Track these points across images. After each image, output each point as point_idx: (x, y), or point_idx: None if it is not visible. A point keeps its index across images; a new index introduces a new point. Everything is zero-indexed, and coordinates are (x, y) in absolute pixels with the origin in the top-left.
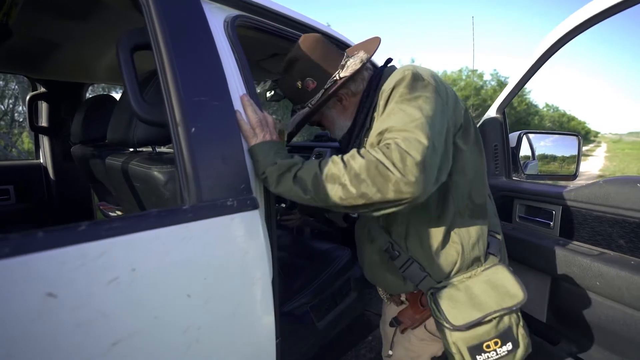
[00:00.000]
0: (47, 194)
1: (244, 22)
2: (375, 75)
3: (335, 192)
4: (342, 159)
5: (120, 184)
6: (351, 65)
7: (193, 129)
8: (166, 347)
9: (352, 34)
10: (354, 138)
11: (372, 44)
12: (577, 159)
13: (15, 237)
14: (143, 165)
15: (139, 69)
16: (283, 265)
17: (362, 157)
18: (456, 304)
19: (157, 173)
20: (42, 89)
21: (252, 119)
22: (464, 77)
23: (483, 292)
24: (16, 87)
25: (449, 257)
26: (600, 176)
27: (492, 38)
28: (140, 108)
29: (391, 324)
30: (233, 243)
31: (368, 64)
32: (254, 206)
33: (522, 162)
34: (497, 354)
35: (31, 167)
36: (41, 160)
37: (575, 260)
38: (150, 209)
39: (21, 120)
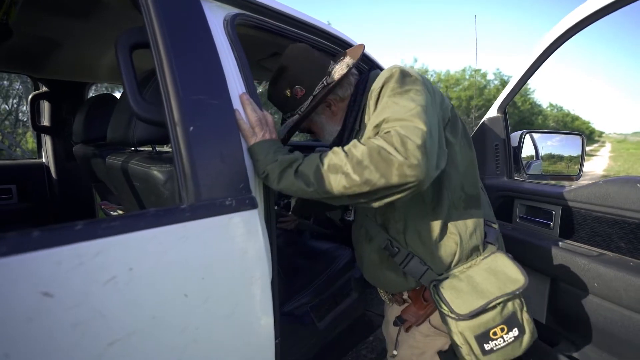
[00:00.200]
0: (49, 193)
1: (244, 21)
2: (362, 80)
3: (338, 182)
4: (343, 149)
5: (120, 184)
6: (337, 70)
7: (191, 128)
8: (164, 347)
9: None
10: (344, 141)
11: (357, 50)
12: (580, 159)
13: (11, 236)
14: (143, 165)
15: (140, 68)
16: (283, 265)
17: (363, 144)
18: (459, 294)
19: (157, 172)
20: (45, 89)
21: (252, 117)
22: (467, 77)
23: (484, 280)
24: (20, 86)
25: (448, 248)
26: (604, 176)
27: (494, 38)
28: (139, 107)
29: (395, 323)
30: (232, 242)
31: (353, 69)
32: (253, 205)
33: (525, 161)
34: (504, 341)
35: (33, 166)
36: (43, 160)
37: (574, 261)
38: (149, 208)
39: (25, 120)
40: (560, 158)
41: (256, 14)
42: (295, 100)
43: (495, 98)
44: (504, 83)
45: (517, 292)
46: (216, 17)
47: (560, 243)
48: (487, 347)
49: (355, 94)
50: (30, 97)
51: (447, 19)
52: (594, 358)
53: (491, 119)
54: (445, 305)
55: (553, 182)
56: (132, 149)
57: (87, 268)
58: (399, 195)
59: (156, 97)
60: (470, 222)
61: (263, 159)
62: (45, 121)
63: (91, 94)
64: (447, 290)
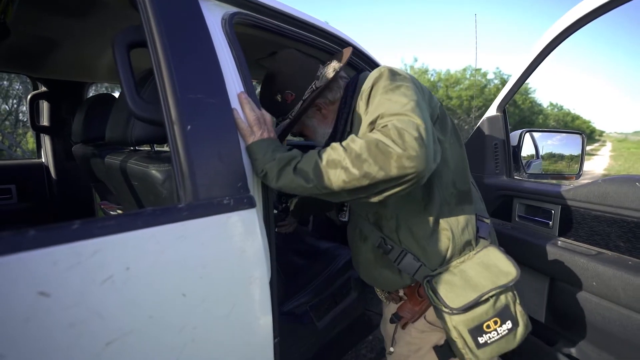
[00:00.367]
0: (48, 193)
1: (242, 20)
2: (351, 82)
3: (338, 177)
4: (342, 144)
5: (119, 183)
6: (324, 75)
7: (189, 127)
8: (161, 347)
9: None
10: (337, 141)
11: (345, 53)
12: (580, 158)
13: (6, 235)
14: (141, 164)
15: (138, 67)
16: (282, 264)
17: (362, 138)
18: (453, 288)
19: (155, 172)
20: (44, 88)
21: (250, 116)
22: (468, 76)
23: (477, 274)
24: (20, 87)
25: (440, 244)
26: (604, 175)
27: (494, 37)
28: (136, 106)
29: (391, 320)
30: (230, 242)
31: (342, 72)
32: (251, 204)
33: (525, 161)
34: (497, 334)
35: (33, 166)
36: (43, 160)
37: (573, 260)
38: (146, 207)
39: (25, 120)
40: (560, 157)
41: (254, 13)
42: (286, 105)
43: (495, 97)
44: (503, 82)
45: (510, 285)
46: (214, 16)
47: (559, 242)
48: (481, 340)
49: (345, 96)
50: (29, 97)
51: (447, 18)
52: (592, 357)
53: (491, 118)
54: (439, 299)
55: (553, 181)
56: (131, 148)
57: (84, 267)
58: (398, 189)
59: (154, 96)
60: (462, 218)
61: (261, 158)
62: (45, 121)
63: (91, 93)
64: (441, 285)
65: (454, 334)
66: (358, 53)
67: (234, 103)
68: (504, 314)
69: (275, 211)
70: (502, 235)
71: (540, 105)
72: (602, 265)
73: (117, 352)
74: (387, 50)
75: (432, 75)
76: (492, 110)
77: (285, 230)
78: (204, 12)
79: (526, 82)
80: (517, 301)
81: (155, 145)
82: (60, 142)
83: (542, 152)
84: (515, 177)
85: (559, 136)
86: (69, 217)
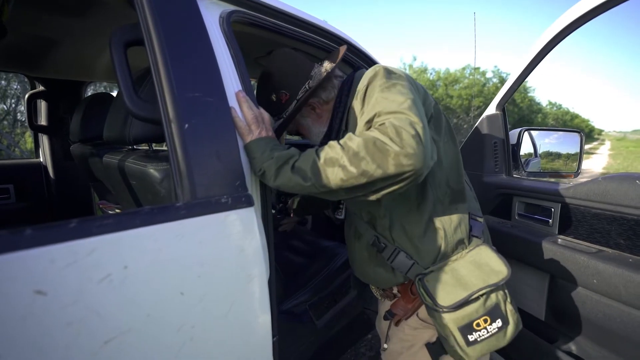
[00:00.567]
0: (47, 192)
1: (240, 18)
2: (346, 81)
3: (336, 175)
4: (339, 142)
5: (117, 182)
6: (316, 75)
7: (186, 126)
8: (159, 346)
9: (354, 33)
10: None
11: (339, 52)
12: (579, 156)
13: (2, 234)
14: (139, 163)
15: (136, 66)
16: (282, 263)
17: (359, 136)
18: (444, 286)
19: (153, 170)
20: (41, 88)
21: (248, 115)
22: (467, 75)
23: (469, 272)
24: (18, 86)
25: (433, 242)
26: (603, 174)
27: (492, 36)
28: (133, 105)
29: (385, 317)
30: (228, 240)
31: (338, 71)
32: (249, 203)
33: (523, 159)
34: (487, 332)
35: (31, 166)
36: (41, 159)
37: (574, 257)
38: (144, 206)
39: (23, 120)
40: (559, 155)
41: (252, 11)
42: (281, 105)
43: (494, 96)
44: (502, 80)
45: (500, 284)
46: (212, 14)
47: (559, 240)
48: (470, 338)
49: (340, 95)
50: (26, 96)
51: (445, 17)
52: (592, 354)
53: (490, 117)
54: (430, 297)
55: (552, 179)
56: (129, 147)
57: (82, 266)
58: (396, 187)
59: (151, 94)
60: (455, 217)
61: (260, 157)
62: (43, 120)
63: (89, 92)
64: (432, 283)
65: (445, 332)
66: (355, 51)
67: (232, 101)
68: (494, 313)
69: (272, 211)
70: (501, 233)
71: (539, 104)
72: (602, 263)
73: (115, 350)
74: (386, 49)
75: (431, 74)
76: (491, 109)
77: (285, 228)
78: (201, 10)
79: (525, 80)
80: (508, 300)
81: (153, 144)
82: (59, 142)
83: (540, 151)
84: (514, 175)
85: (557, 135)
86: (67, 216)
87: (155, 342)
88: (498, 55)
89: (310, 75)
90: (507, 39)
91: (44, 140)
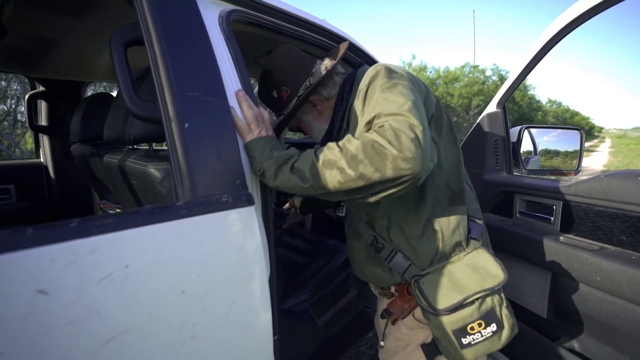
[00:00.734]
0: (47, 193)
1: (239, 17)
2: (348, 78)
3: (333, 177)
4: (338, 144)
5: (118, 182)
6: (317, 72)
7: (187, 125)
8: (161, 344)
9: (353, 32)
10: (333, 139)
11: (340, 50)
12: (579, 154)
13: (4, 233)
14: (139, 163)
15: (136, 66)
16: (282, 262)
17: (358, 139)
18: (439, 289)
19: (154, 170)
20: (41, 88)
21: (248, 114)
22: (466, 73)
23: (465, 276)
24: (18, 87)
25: (430, 244)
26: (603, 171)
27: (491, 35)
28: (133, 104)
29: (382, 316)
30: (229, 239)
31: (339, 68)
32: (250, 202)
33: (523, 157)
34: (482, 336)
35: (32, 166)
36: (41, 159)
37: (576, 255)
38: (144, 206)
39: (24, 120)
40: (558, 153)
41: (251, 10)
42: (282, 101)
43: (494, 93)
44: (501, 78)
45: (496, 288)
46: (211, 14)
47: (561, 237)
48: (464, 341)
49: (342, 92)
50: (27, 96)
51: (445, 16)
52: (595, 352)
53: (490, 115)
54: (425, 300)
55: (552, 177)
56: (129, 147)
57: (83, 265)
58: (395, 190)
59: (151, 94)
60: (453, 219)
61: (259, 156)
62: (43, 121)
63: (88, 93)
64: (428, 286)
65: (439, 334)
66: (355, 49)
67: (232, 101)
68: (488, 317)
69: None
70: (503, 231)
71: (539, 101)
72: (605, 260)
73: (116, 350)
74: (386, 47)
75: (430, 72)
76: (491, 107)
77: (291, 221)
78: (201, 9)
79: (525, 78)
80: (504, 304)
81: (153, 143)
82: (59, 142)
83: (540, 149)
84: (515, 173)
85: (557, 132)
86: (68, 216)
87: (156, 341)
88: (497, 53)
89: (312, 72)
90: (505, 37)
91: (45, 140)
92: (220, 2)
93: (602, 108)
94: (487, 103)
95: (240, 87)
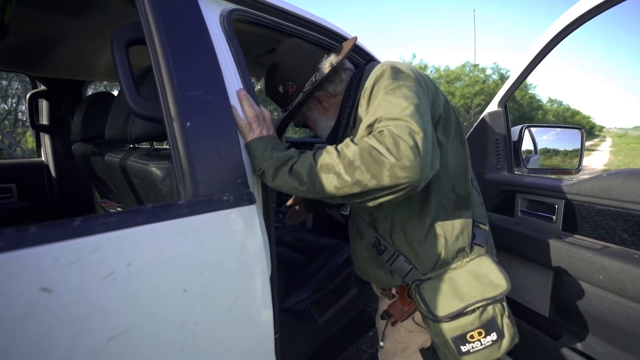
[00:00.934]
0: (49, 191)
1: (240, 16)
2: (356, 75)
3: (330, 182)
4: (336, 148)
5: (119, 181)
6: (322, 68)
7: (188, 124)
8: (163, 343)
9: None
10: (339, 137)
11: (346, 45)
12: (580, 153)
13: (8, 231)
14: (141, 162)
15: (137, 65)
16: (283, 261)
17: (356, 144)
18: (439, 296)
19: (155, 169)
20: (43, 87)
21: (249, 113)
22: (467, 72)
23: (466, 283)
24: (19, 86)
25: (433, 249)
26: (604, 171)
27: (491, 34)
28: (135, 103)
29: (382, 317)
30: (230, 238)
31: (347, 64)
32: (251, 201)
33: (524, 156)
34: (481, 344)
35: (33, 165)
36: (43, 158)
37: (578, 254)
38: (146, 204)
39: (24, 119)
40: (558, 152)
41: (252, 10)
42: (288, 97)
43: (495, 92)
44: (502, 77)
45: (498, 298)
46: (212, 13)
47: (563, 236)
48: (463, 349)
49: (349, 89)
50: (28, 95)
51: (444, 16)
52: (598, 350)
53: (492, 114)
54: (425, 306)
55: (553, 175)
56: (130, 146)
57: (86, 264)
58: (392, 196)
59: (153, 93)
60: (457, 224)
61: (259, 156)
62: (44, 120)
63: (89, 92)
64: (428, 291)
65: (438, 340)
66: (356, 49)
67: (233, 100)
68: (489, 326)
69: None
70: (505, 230)
71: (539, 101)
72: (608, 259)
73: (118, 347)
74: (386, 47)
75: (431, 71)
76: (493, 106)
77: (294, 221)
78: (202, 9)
79: (526, 78)
80: (506, 313)
81: (154, 142)
82: (60, 141)
83: (541, 147)
84: (516, 172)
85: (558, 131)
86: (69, 215)
87: (158, 339)
88: (497, 52)
89: (318, 67)
90: (505, 37)
91: (46, 139)
92: (222, 1)
93: (603, 107)
94: (487, 103)
95: (241, 86)
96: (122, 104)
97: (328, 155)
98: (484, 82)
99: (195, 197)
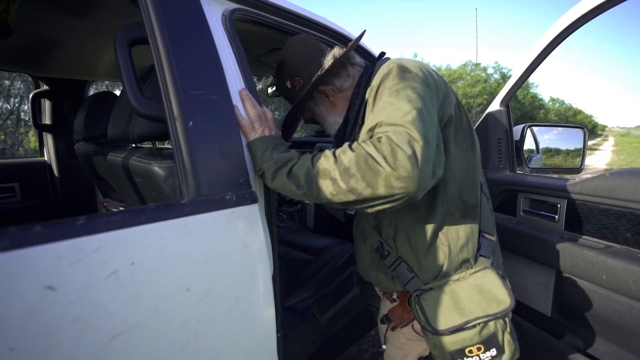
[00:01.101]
0: (51, 191)
1: (242, 16)
2: (366, 71)
3: (326, 187)
4: (334, 153)
5: (122, 181)
6: (325, 63)
7: (191, 123)
8: (166, 341)
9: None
10: (348, 134)
11: (351, 42)
12: (582, 152)
13: (12, 230)
14: (143, 161)
15: (139, 65)
16: (285, 260)
17: (353, 150)
18: (440, 308)
19: (157, 168)
20: (45, 87)
21: (251, 113)
22: (468, 71)
23: (468, 297)
24: (21, 86)
25: (436, 258)
26: (607, 170)
27: (493, 33)
28: (138, 103)
29: (382, 321)
30: (232, 237)
31: (356, 59)
32: (253, 200)
33: (526, 155)
34: (480, 359)
35: (36, 164)
36: (45, 158)
37: (581, 253)
38: (149, 204)
39: (27, 119)
40: (559, 151)
41: (254, 9)
42: (295, 92)
43: (496, 92)
44: (504, 76)
45: (500, 315)
46: (214, 13)
47: (565, 236)
48: None
49: (358, 86)
50: (31, 95)
51: (446, 14)
52: (601, 350)
53: (494, 113)
54: (424, 317)
55: (555, 175)
56: (133, 145)
57: (89, 262)
58: (389, 205)
59: (156, 93)
60: (463, 234)
61: (260, 156)
62: (47, 119)
63: (91, 92)
64: (429, 302)
65: (435, 352)
66: (360, 50)
67: (235, 99)
68: (489, 342)
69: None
70: (507, 230)
71: (541, 100)
72: (611, 259)
73: (122, 346)
74: (387, 46)
75: None
76: (495, 105)
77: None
78: (204, 8)
79: (528, 77)
80: (507, 329)
81: (157, 142)
82: (63, 141)
83: (543, 147)
84: (518, 171)
85: (560, 130)
86: (72, 214)
87: (161, 337)
88: (498, 51)
89: (321, 61)
90: (507, 36)
91: (49, 139)
92: (224, 0)
93: (605, 106)
94: (489, 102)
95: (243, 85)
96: (125, 104)
97: (325, 160)
98: (485, 81)
99: (198, 196)
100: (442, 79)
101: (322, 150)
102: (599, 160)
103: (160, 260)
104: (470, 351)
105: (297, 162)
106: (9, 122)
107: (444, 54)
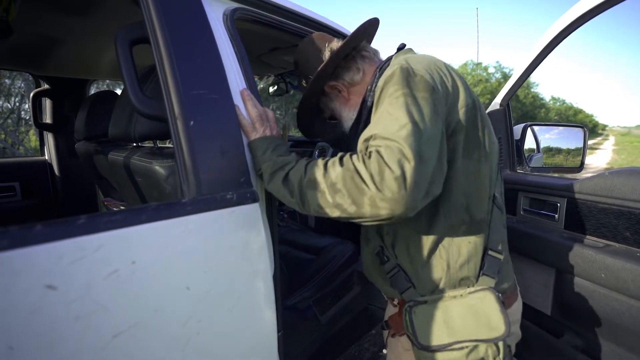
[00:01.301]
0: (52, 190)
1: (243, 15)
2: (381, 65)
3: (314, 199)
4: (325, 165)
5: (123, 180)
6: (324, 57)
7: (192, 123)
8: (166, 340)
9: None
10: (359, 133)
11: (352, 33)
12: (582, 151)
13: (13, 230)
14: (144, 160)
15: (140, 64)
16: (286, 259)
17: (342, 165)
18: (429, 324)
19: (158, 167)
20: (46, 86)
21: (252, 113)
22: (469, 71)
23: (461, 317)
24: (22, 85)
25: (433, 272)
26: (607, 169)
27: (494, 32)
28: (139, 102)
29: (382, 327)
30: (233, 236)
31: (366, 52)
32: (254, 199)
33: (526, 154)
34: None
35: (36, 163)
36: (46, 157)
37: (580, 252)
38: (150, 203)
39: (28, 118)
40: (560, 151)
41: (255, 8)
42: None
43: (497, 91)
44: (505, 76)
45: (491, 341)
46: (215, 12)
47: (565, 235)
48: None
49: (372, 82)
50: (31, 94)
51: (447, 14)
52: (600, 348)
53: (494, 112)
54: (412, 330)
55: (555, 174)
56: (134, 144)
57: (90, 261)
58: (376, 223)
59: (157, 92)
60: (464, 250)
61: (260, 156)
62: (48, 118)
63: (92, 91)
64: (419, 316)
65: None
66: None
67: (236, 99)
68: None
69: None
70: (507, 229)
71: (542, 99)
72: (611, 257)
73: (123, 344)
74: (387, 46)
75: None
76: (495, 104)
77: None
78: (205, 8)
79: (529, 76)
80: (500, 356)
81: (158, 141)
82: (63, 140)
83: (543, 146)
84: (518, 170)
85: (561, 130)
86: (72, 214)
87: (162, 336)
88: (499, 50)
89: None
90: (508, 35)
91: (49, 138)
92: (225, 0)
93: (606, 105)
94: (490, 101)
95: (244, 85)
96: (126, 103)
97: (317, 170)
98: (486, 81)
99: (199, 195)
100: (456, 80)
101: (322, 150)
102: (599, 159)
103: (161, 259)
104: None
105: (294, 167)
106: (9, 121)
107: (444, 53)
